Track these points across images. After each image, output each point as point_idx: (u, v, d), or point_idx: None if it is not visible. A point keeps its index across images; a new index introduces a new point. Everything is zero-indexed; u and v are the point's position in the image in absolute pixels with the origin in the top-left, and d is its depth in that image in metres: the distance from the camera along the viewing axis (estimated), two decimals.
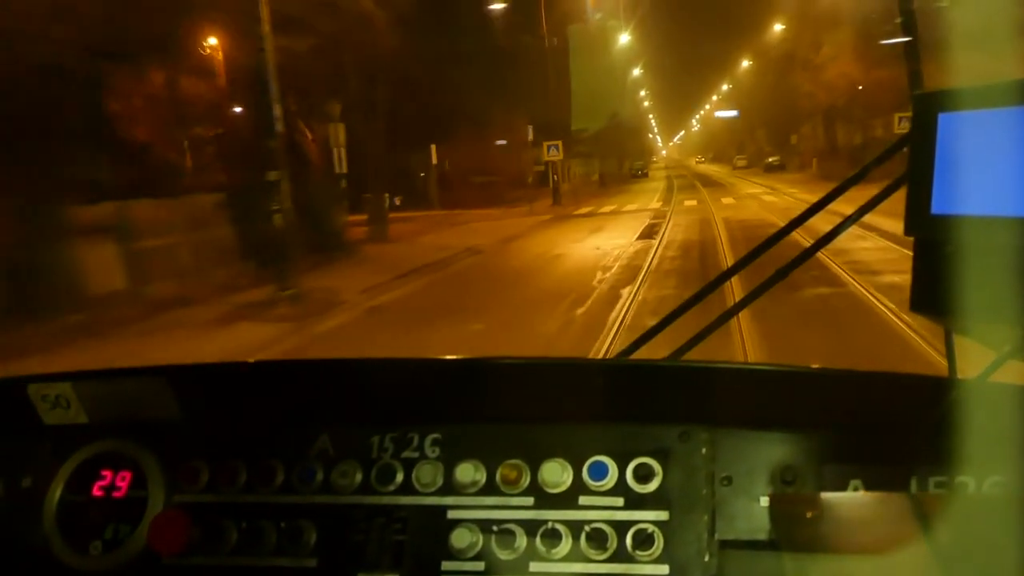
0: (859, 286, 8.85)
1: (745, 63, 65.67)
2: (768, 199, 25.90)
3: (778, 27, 47.31)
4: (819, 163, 38.60)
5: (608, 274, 11.59)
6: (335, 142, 17.43)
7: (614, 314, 8.54)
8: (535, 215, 24.48)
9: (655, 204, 28.35)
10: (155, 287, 10.78)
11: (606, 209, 26.79)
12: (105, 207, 10.53)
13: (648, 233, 17.35)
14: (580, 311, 8.97)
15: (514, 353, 5.90)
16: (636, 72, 67.43)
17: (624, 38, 49.20)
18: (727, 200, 27.23)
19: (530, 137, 29.21)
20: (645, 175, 61.45)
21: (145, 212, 11.24)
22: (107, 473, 1.24)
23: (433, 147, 25.16)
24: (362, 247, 16.78)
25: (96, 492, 1.23)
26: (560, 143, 27.53)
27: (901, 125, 26.65)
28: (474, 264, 14.82)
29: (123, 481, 1.23)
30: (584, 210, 26.64)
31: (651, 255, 13.25)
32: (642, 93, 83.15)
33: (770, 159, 51.09)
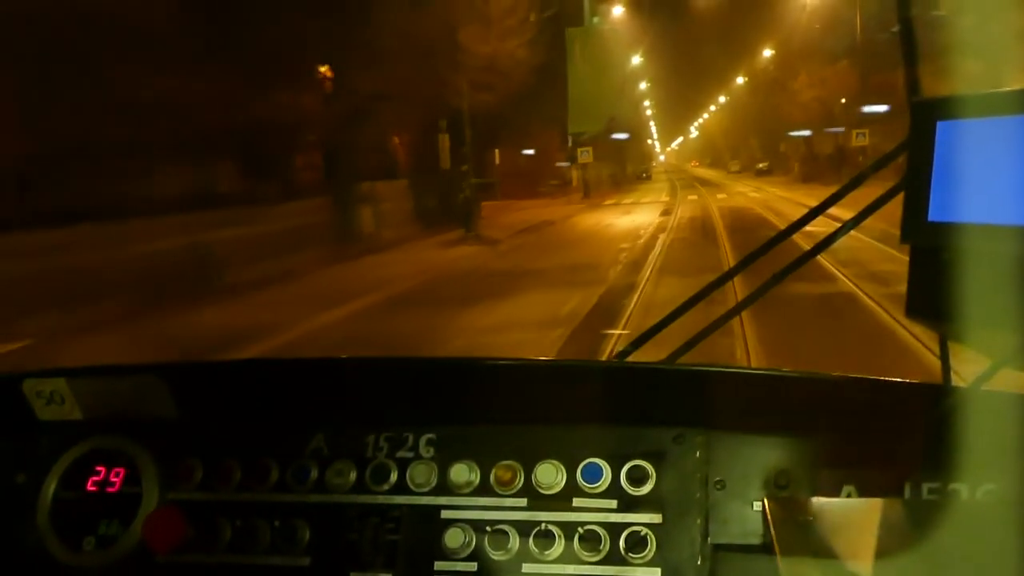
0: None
1: (740, 79, 73.39)
2: (753, 195, 33.61)
3: (767, 52, 55.14)
4: (800, 168, 46.11)
5: (647, 231, 19.36)
6: (441, 147, 25.17)
7: (659, 242, 16.32)
8: (572, 205, 31.15)
9: (664, 198, 36.37)
10: (385, 232, 18.49)
11: (627, 201, 34.69)
12: (365, 185, 18.34)
13: (665, 213, 25.29)
14: (640, 242, 16.73)
15: (605, 262, 14.96)
16: (642, 86, 73.95)
17: (636, 59, 55.30)
18: (721, 196, 35.12)
19: (569, 144, 36.91)
20: (649, 177, 69.12)
21: (378, 189, 19.00)
22: (101, 469, 1.24)
23: (497, 151, 32.77)
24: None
25: (90, 488, 1.23)
26: (591, 148, 35.27)
27: (858, 139, 34.49)
28: (555, 229, 22.44)
29: (117, 478, 1.23)
30: (610, 201, 34.13)
31: (671, 222, 21.13)
32: (645, 103, 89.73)
33: (759, 164, 58.06)
